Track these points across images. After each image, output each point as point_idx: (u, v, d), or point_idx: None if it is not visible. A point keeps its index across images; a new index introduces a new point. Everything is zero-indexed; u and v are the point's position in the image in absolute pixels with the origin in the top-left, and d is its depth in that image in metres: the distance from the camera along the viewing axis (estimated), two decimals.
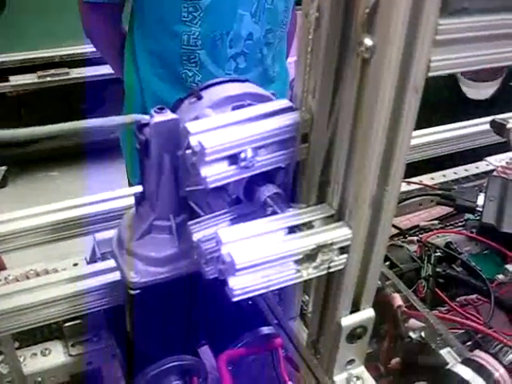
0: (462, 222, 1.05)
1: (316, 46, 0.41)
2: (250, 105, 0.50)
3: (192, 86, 1.20)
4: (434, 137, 1.12)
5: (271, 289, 0.41)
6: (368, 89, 0.37)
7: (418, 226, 1.03)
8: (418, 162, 1.12)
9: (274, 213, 0.45)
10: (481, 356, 0.52)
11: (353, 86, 0.38)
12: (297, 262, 0.41)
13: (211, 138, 0.42)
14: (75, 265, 0.90)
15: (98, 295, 0.65)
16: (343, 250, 0.43)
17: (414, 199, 1.08)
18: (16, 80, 2.82)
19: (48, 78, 2.85)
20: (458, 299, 0.86)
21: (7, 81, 2.79)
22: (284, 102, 0.46)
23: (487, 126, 1.12)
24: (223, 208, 0.50)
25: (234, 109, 0.50)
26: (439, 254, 0.90)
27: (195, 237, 0.47)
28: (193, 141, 0.42)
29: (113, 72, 2.84)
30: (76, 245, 0.99)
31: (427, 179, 1.17)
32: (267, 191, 0.46)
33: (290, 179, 0.47)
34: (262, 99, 0.50)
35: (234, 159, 0.43)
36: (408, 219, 1.08)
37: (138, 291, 0.53)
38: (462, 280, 0.87)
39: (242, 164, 0.43)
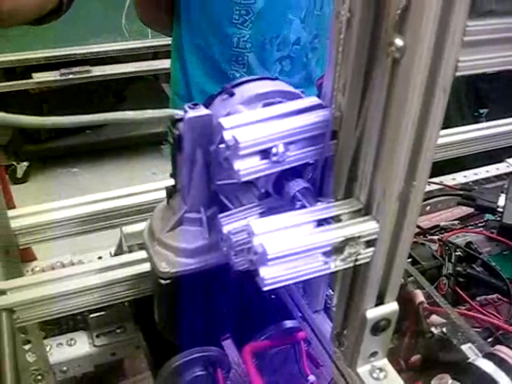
0: (482, 222, 1.06)
1: (346, 46, 0.43)
2: (280, 102, 0.51)
3: None
4: (455, 137, 1.13)
5: (299, 279, 0.43)
6: (398, 88, 0.39)
7: (438, 225, 1.04)
8: (439, 162, 1.12)
9: (303, 207, 0.47)
10: (502, 350, 0.53)
11: (383, 84, 0.40)
12: (325, 254, 0.43)
13: (244, 132, 0.43)
14: (99, 258, 0.93)
15: (125, 286, 0.67)
16: (370, 244, 0.44)
17: (434, 199, 1.09)
18: (39, 77, 2.85)
19: (70, 76, 2.88)
20: (478, 298, 0.87)
21: (30, 78, 2.83)
22: (314, 100, 0.48)
23: (508, 128, 1.13)
24: (252, 202, 0.52)
25: (264, 105, 0.51)
26: (459, 253, 0.91)
27: (225, 229, 0.49)
28: (227, 135, 0.43)
29: (134, 70, 2.85)
30: (99, 239, 1.02)
31: (448, 180, 1.18)
32: (296, 185, 0.47)
33: (319, 174, 0.49)
34: (291, 97, 0.52)
35: (265, 154, 0.45)
36: (428, 219, 1.09)
37: (168, 281, 0.55)
38: (482, 279, 0.88)
39: (274, 159, 0.44)
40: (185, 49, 1.28)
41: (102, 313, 0.79)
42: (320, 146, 0.47)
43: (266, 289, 0.42)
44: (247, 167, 0.44)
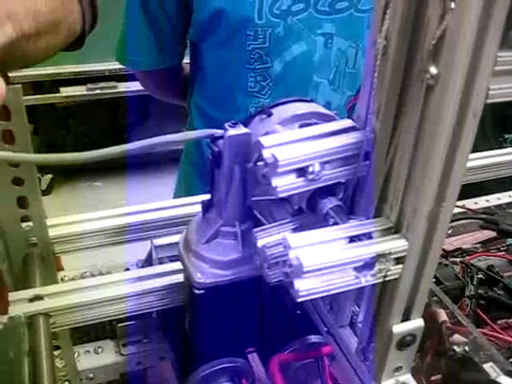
0: (504, 246, 1.07)
1: (381, 72, 0.45)
2: (315, 123, 0.54)
3: None
4: (478, 162, 1.14)
5: (332, 292, 0.45)
6: (431, 113, 0.41)
7: (460, 248, 1.05)
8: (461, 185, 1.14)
9: (335, 224, 0.49)
10: None
11: (416, 110, 0.42)
12: (356, 269, 0.45)
13: (283, 151, 0.46)
14: (126, 269, 0.95)
15: (158, 296, 0.69)
16: (399, 261, 0.46)
17: (457, 222, 1.10)
18: (66, 91, 2.91)
19: (97, 91, 2.94)
20: (498, 322, 0.88)
21: (58, 92, 2.89)
22: (348, 122, 0.50)
23: None
24: (285, 218, 0.54)
25: (300, 126, 0.54)
26: (481, 276, 0.92)
27: (260, 243, 0.51)
28: (266, 153, 0.46)
29: None
30: (119, 254, 1.04)
31: (470, 203, 1.19)
32: (329, 203, 0.50)
33: (350, 193, 0.51)
34: (326, 118, 0.54)
35: (302, 172, 0.47)
36: (450, 242, 1.10)
37: (202, 291, 0.58)
38: (503, 303, 0.89)
39: (310, 177, 0.47)
40: (196, 120, 1.19)
41: (130, 322, 0.82)
42: (353, 166, 0.49)
43: (300, 300, 0.44)
44: (284, 184, 0.47)
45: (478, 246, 1.07)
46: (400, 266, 0.47)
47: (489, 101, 0.41)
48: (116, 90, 2.95)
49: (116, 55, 1.20)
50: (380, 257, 0.45)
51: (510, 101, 0.45)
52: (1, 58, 0.58)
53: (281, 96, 1.05)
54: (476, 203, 1.20)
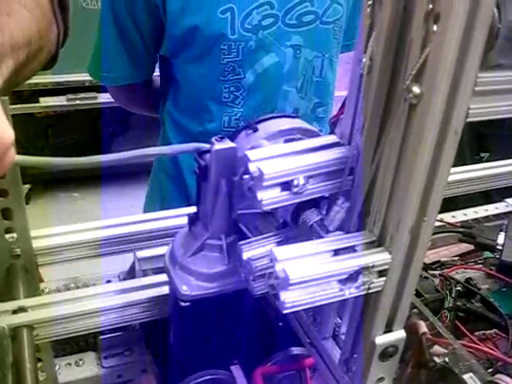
0: (481, 259, 1.09)
1: (366, 90, 0.47)
2: (300, 138, 0.55)
3: None
4: (456, 176, 1.17)
5: (316, 304, 0.46)
6: (413, 131, 0.42)
7: (439, 261, 1.07)
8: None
9: (319, 237, 0.50)
10: (503, 379, 0.55)
11: (399, 127, 0.44)
12: (340, 281, 0.46)
13: (269, 165, 0.47)
14: (108, 281, 0.95)
15: (142, 308, 0.70)
16: (382, 273, 0.48)
17: (435, 236, 1.12)
18: (46, 102, 2.90)
19: (77, 102, 2.93)
20: (476, 333, 0.89)
21: (37, 102, 2.87)
22: (332, 138, 0.51)
23: (505, 169, 1.17)
24: (270, 231, 0.55)
25: (285, 141, 0.55)
26: (459, 288, 0.94)
27: (245, 255, 0.52)
28: (252, 167, 0.47)
29: None
30: (97, 266, 1.03)
31: (448, 217, 1.21)
32: (314, 217, 0.51)
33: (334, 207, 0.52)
34: (310, 134, 0.56)
35: (287, 186, 0.48)
36: (427, 255, 1.12)
37: (187, 303, 0.58)
38: (481, 315, 0.91)
39: (294, 190, 0.48)
40: (169, 131, 1.21)
41: (112, 335, 0.82)
42: (337, 180, 0.50)
43: (285, 312, 0.45)
44: (269, 197, 0.48)
45: (455, 258, 1.09)
46: (383, 278, 0.48)
47: (469, 119, 0.43)
48: (96, 101, 2.94)
49: (89, 71, 1.22)
50: (363, 269, 0.46)
51: (487, 120, 0.46)
52: (5, 93, 0.56)
53: (253, 105, 1.11)
54: (454, 217, 1.23)
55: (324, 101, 1.19)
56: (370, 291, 0.48)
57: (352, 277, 0.46)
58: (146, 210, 1.36)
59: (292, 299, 0.44)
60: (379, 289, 0.48)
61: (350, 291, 0.46)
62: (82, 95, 2.91)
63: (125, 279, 0.90)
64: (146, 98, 1.30)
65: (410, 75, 0.41)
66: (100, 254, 0.80)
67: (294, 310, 0.45)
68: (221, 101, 1.10)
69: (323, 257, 0.46)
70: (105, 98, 2.92)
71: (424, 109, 0.41)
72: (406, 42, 0.43)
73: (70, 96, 2.90)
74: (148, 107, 1.32)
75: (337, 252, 0.47)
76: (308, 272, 0.44)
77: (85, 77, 2.83)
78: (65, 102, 2.92)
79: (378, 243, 0.48)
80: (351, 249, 0.47)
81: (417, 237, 0.47)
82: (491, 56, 0.42)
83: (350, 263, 0.46)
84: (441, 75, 0.40)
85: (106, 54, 1.14)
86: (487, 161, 1.92)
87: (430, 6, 0.40)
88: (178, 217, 0.83)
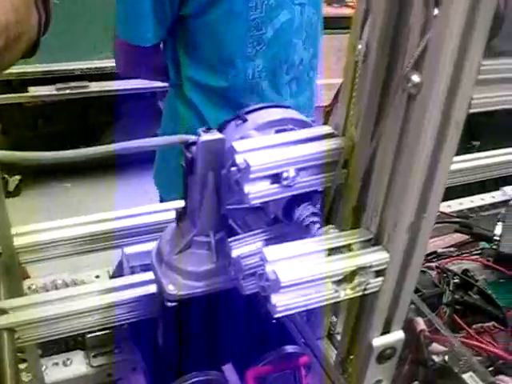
0: (477, 250, 1.07)
1: (361, 79, 0.44)
2: (291, 129, 0.52)
3: None
4: (453, 166, 1.14)
5: (310, 307, 0.43)
6: (412, 122, 0.40)
7: (435, 251, 1.05)
8: None
9: (313, 234, 0.47)
10: (504, 380, 0.53)
11: (397, 118, 0.41)
12: (335, 282, 0.44)
13: (256, 156, 0.44)
14: (97, 277, 0.93)
15: (127, 308, 0.67)
16: (379, 273, 0.45)
17: None
18: (35, 91, 2.86)
19: (67, 91, 2.88)
20: (474, 326, 0.87)
21: (26, 91, 2.83)
22: (326, 128, 0.49)
23: (505, 158, 1.15)
24: (261, 227, 0.52)
25: (276, 132, 0.52)
26: (457, 280, 0.91)
27: (235, 253, 0.49)
28: (239, 158, 0.44)
29: (131, 87, 2.87)
30: (95, 255, 1.01)
31: (444, 207, 1.19)
32: (307, 212, 0.48)
33: (329, 202, 0.49)
34: (302, 125, 0.53)
35: (276, 178, 0.45)
36: None
37: (175, 303, 0.56)
38: (479, 307, 0.89)
39: (284, 183, 0.45)
40: (191, 93, 1.28)
41: (100, 333, 0.79)
42: (331, 173, 0.48)
43: (277, 316, 0.42)
44: (257, 191, 0.45)
45: (452, 249, 1.07)
46: (380, 278, 0.45)
47: (472, 110, 0.40)
48: (87, 90, 2.90)
49: (117, 32, 1.25)
50: (360, 270, 0.44)
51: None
52: None
53: (270, 56, 1.21)
54: (449, 206, 1.20)
55: (317, 52, 1.36)
56: (367, 292, 0.45)
57: (347, 277, 0.44)
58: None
59: (284, 302, 0.42)
60: (376, 289, 0.46)
61: (346, 292, 0.44)
62: (71, 84, 2.86)
63: (113, 277, 0.87)
64: (159, 61, 1.34)
65: (408, 63, 0.38)
66: (86, 251, 0.77)
67: (287, 313, 0.43)
68: (245, 55, 1.21)
69: (317, 256, 0.44)
70: (95, 86, 2.88)
71: (424, 99, 0.38)
72: (405, 27, 0.40)
73: (60, 85, 2.85)
74: (161, 71, 1.36)
75: (331, 251, 0.44)
76: (300, 273, 0.42)
77: (75, 65, 2.80)
78: (54, 92, 2.86)
79: (374, 241, 0.46)
80: (346, 247, 0.45)
81: (416, 234, 0.44)
82: (495, 43, 0.39)
83: (345, 263, 0.43)
84: (442, 63, 0.37)
85: (135, 15, 1.20)
86: (479, 149, 1.91)
87: None
88: (167, 211, 0.80)
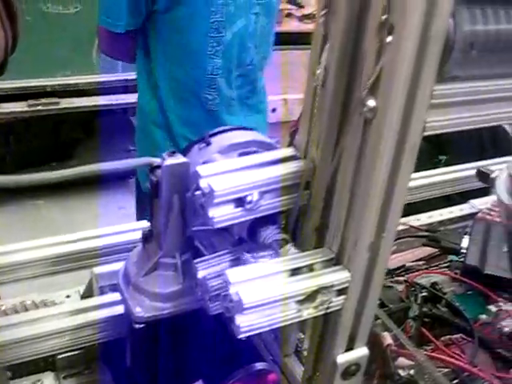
0: (446, 262, 1.08)
1: (321, 103, 0.45)
2: (255, 152, 0.53)
3: (211, 107, 1.44)
4: (417, 182, 1.17)
5: (274, 327, 0.44)
6: (369, 145, 0.41)
7: (404, 265, 1.06)
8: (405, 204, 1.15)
9: (277, 254, 0.48)
10: None
11: (355, 142, 0.42)
12: (298, 302, 0.44)
13: (220, 181, 0.45)
14: (68, 297, 0.92)
15: (97, 329, 0.67)
16: (341, 292, 0.46)
17: (400, 240, 1.11)
18: (6, 108, 2.82)
19: (39, 107, 2.86)
20: (442, 338, 0.89)
21: None
22: (288, 151, 0.50)
23: (468, 172, 1.18)
24: (227, 248, 0.53)
25: (240, 155, 0.53)
26: (425, 293, 0.93)
27: (200, 274, 0.50)
28: (203, 183, 0.45)
29: (103, 103, 2.87)
30: (67, 276, 1.00)
31: (413, 220, 1.20)
32: (270, 233, 0.49)
33: (292, 223, 0.50)
34: (266, 147, 0.54)
35: (240, 202, 0.46)
36: (393, 259, 1.11)
37: (142, 325, 0.56)
38: (446, 320, 0.90)
39: (248, 207, 0.46)
40: (159, 79, 1.44)
41: (71, 354, 0.79)
42: (294, 195, 0.49)
43: (241, 336, 0.43)
44: (221, 214, 0.46)
45: (420, 263, 1.08)
46: (342, 297, 0.46)
47: (426, 133, 0.42)
48: (58, 107, 2.88)
49: (100, 20, 1.43)
50: (322, 289, 0.45)
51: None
52: None
53: (228, 57, 1.38)
54: (418, 219, 1.22)
55: (268, 55, 1.55)
56: (330, 310, 0.46)
57: (310, 297, 0.44)
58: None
59: (247, 323, 0.42)
60: (339, 308, 0.47)
61: (308, 312, 0.45)
62: (43, 100, 2.84)
63: (82, 297, 0.86)
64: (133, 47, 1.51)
65: (364, 88, 0.40)
66: (56, 272, 0.77)
67: (251, 333, 0.43)
68: (206, 53, 1.38)
69: (279, 277, 0.44)
70: (67, 103, 2.87)
71: (380, 123, 0.40)
72: (361, 53, 0.41)
73: (31, 102, 2.83)
74: (134, 56, 1.53)
75: (294, 271, 0.45)
76: (263, 295, 0.42)
77: (46, 82, 2.78)
78: (26, 108, 2.84)
79: (336, 261, 0.47)
80: (308, 268, 0.46)
81: (376, 254, 0.45)
82: (447, 68, 0.40)
83: (307, 283, 0.44)
84: (396, 88, 0.38)
85: (113, 6, 1.38)
86: (446, 163, 1.94)
87: (384, 17, 0.38)
88: (136, 230, 0.80)
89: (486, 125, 0.46)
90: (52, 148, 3.15)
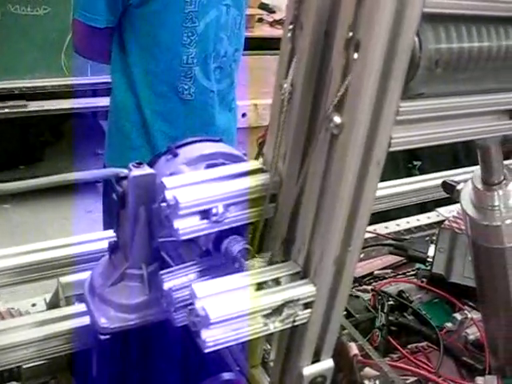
0: (413, 270, 1.10)
1: (288, 117, 0.45)
2: (222, 163, 0.53)
3: (187, 97, 1.47)
4: (389, 190, 1.18)
5: (240, 341, 0.44)
6: (335, 161, 0.41)
7: (371, 273, 1.07)
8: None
9: (243, 266, 0.48)
10: None
11: (321, 157, 0.42)
12: (265, 316, 0.44)
13: (185, 193, 0.45)
14: (33, 305, 0.90)
15: (63, 340, 0.66)
16: (307, 305, 0.46)
17: (367, 248, 1.12)
18: None
19: (6, 110, 2.82)
20: (409, 346, 0.90)
21: None
22: (255, 164, 0.50)
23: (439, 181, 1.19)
24: (193, 259, 0.53)
25: (207, 167, 0.53)
26: (392, 302, 0.94)
27: (166, 285, 0.49)
28: (168, 195, 0.45)
29: (72, 106, 2.84)
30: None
31: (381, 228, 1.22)
32: (236, 246, 0.49)
33: (259, 235, 0.50)
34: (234, 159, 0.54)
35: (205, 214, 0.46)
36: (360, 266, 1.12)
37: (107, 336, 0.55)
38: (413, 328, 0.91)
39: (213, 219, 0.46)
40: (135, 74, 1.46)
41: (36, 363, 0.78)
42: (259, 208, 0.49)
43: (207, 351, 0.43)
44: (187, 226, 0.46)
45: (388, 271, 1.09)
46: (308, 310, 0.46)
47: (392, 149, 0.42)
48: (26, 109, 2.84)
49: (75, 14, 1.45)
50: (288, 303, 0.45)
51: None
52: None
53: (201, 46, 1.42)
54: (386, 227, 1.24)
55: (240, 48, 1.59)
56: (296, 324, 0.46)
57: (276, 310, 0.44)
58: (108, 156, 1.58)
59: (214, 338, 0.42)
60: (305, 321, 0.47)
61: (275, 325, 0.45)
62: (10, 103, 2.80)
63: (49, 308, 0.85)
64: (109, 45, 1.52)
65: (330, 104, 0.40)
66: (21, 282, 0.76)
67: (217, 348, 0.43)
68: (181, 43, 1.42)
69: (246, 291, 0.44)
70: (35, 106, 2.83)
71: (345, 139, 0.40)
72: (328, 69, 0.41)
73: None
74: (109, 55, 1.53)
75: (260, 285, 0.45)
76: (230, 309, 0.42)
77: (14, 84, 2.74)
78: None
79: (302, 274, 0.47)
80: (275, 281, 0.46)
81: (342, 267, 0.45)
82: (413, 85, 0.41)
83: (274, 297, 0.44)
84: (362, 105, 0.39)
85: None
86: (419, 169, 1.96)
87: (351, 34, 0.38)
88: (103, 240, 0.79)
89: (451, 141, 0.46)
90: (20, 151, 3.11)
